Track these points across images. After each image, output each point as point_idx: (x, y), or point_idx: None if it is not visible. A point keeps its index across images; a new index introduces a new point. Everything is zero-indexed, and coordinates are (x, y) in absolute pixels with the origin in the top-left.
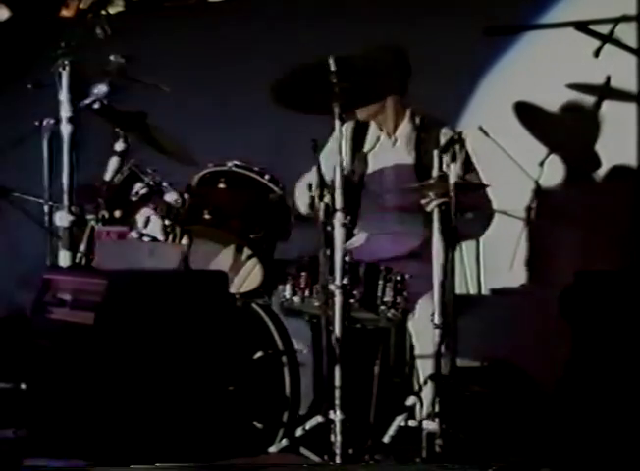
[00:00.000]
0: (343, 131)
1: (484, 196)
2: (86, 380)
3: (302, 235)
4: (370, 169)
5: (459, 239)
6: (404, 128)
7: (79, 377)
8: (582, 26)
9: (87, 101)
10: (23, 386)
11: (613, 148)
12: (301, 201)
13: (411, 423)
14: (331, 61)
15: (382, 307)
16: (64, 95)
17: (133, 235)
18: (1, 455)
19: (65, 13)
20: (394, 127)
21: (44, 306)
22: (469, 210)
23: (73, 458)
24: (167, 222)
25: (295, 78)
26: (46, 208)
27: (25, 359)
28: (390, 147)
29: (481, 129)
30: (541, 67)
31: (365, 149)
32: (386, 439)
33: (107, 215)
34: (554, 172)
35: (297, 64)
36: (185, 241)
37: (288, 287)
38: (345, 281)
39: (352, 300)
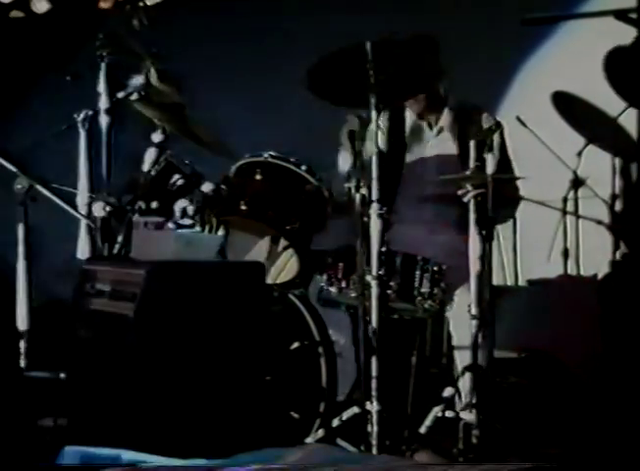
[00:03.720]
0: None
1: (513, 186)
2: (126, 370)
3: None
4: (412, 155)
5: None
6: (447, 116)
7: (118, 367)
8: (621, 15)
9: (125, 92)
10: (62, 375)
11: None
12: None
13: (448, 414)
14: (368, 48)
15: (419, 298)
16: (102, 87)
17: (170, 225)
18: (42, 444)
19: (103, 4)
20: (436, 116)
21: (84, 297)
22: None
23: (111, 446)
24: (204, 213)
25: (331, 68)
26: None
27: (64, 349)
28: (434, 136)
29: (519, 119)
30: (579, 56)
31: (405, 138)
32: (423, 429)
33: (144, 206)
34: (591, 162)
35: (333, 51)
36: (221, 232)
37: (324, 277)
38: (381, 271)
39: (389, 291)
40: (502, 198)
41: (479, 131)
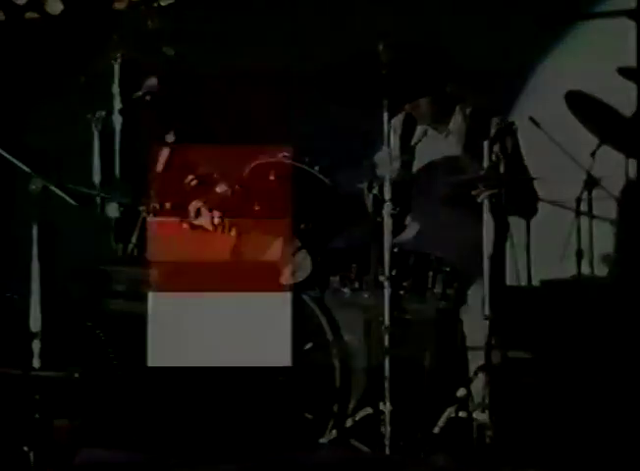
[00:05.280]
0: (392, 124)
1: (530, 189)
2: (140, 370)
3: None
4: (418, 161)
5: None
6: (455, 120)
7: (133, 367)
8: (634, 15)
9: (139, 93)
10: (77, 376)
11: None
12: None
13: (462, 414)
14: (381, 49)
15: (432, 298)
16: (116, 87)
17: (184, 226)
18: (57, 445)
19: (117, 5)
20: (444, 121)
21: (99, 297)
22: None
23: (126, 449)
24: (217, 213)
25: (343, 71)
26: (98, 200)
27: (80, 349)
28: (442, 139)
29: (531, 119)
30: (592, 56)
31: (412, 142)
32: (436, 430)
33: (158, 206)
34: (605, 162)
35: (345, 55)
36: (235, 233)
37: (338, 278)
38: (394, 272)
39: (402, 291)
40: (519, 201)
41: (492, 134)
